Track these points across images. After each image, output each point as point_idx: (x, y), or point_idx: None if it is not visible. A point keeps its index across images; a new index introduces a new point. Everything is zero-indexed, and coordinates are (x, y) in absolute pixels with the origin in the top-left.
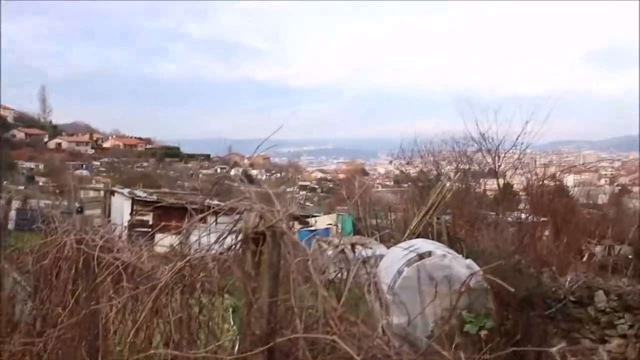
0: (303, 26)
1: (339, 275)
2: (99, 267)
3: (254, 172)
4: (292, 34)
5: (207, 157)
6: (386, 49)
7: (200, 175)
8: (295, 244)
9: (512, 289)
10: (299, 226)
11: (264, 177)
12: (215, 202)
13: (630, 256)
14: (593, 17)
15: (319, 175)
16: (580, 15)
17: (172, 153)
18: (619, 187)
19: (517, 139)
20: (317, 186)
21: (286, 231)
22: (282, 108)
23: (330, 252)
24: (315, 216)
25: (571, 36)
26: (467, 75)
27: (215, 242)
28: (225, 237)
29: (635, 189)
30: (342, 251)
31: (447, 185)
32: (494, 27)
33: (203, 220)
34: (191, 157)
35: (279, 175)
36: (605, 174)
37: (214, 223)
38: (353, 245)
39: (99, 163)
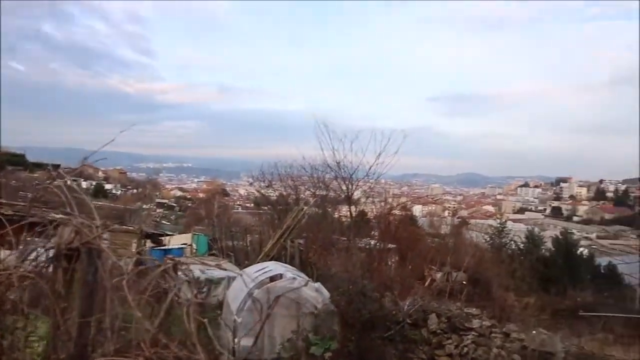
0: (177, 42)
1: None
2: None
3: (108, 186)
4: (165, 49)
5: (57, 167)
6: (253, 72)
7: (49, 187)
8: (113, 263)
9: (357, 312)
10: (151, 245)
11: (119, 192)
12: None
13: (464, 282)
14: (443, 65)
15: (178, 193)
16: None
17: (15, 161)
18: (459, 219)
19: (369, 168)
20: (175, 204)
21: (103, 249)
22: (147, 123)
23: (180, 273)
24: (169, 235)
25: (424, 79)
26: (327, 104)
27: (24, 258)
28: (38, 253)
29: (473, 221)
30: (166, 271)
31: (304, 209)
32: (357, 59)
33: (35, 233)
34: (38, 166)
35: (135, 191)
36: (449, 207)
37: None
38: (175, 266)
39: None
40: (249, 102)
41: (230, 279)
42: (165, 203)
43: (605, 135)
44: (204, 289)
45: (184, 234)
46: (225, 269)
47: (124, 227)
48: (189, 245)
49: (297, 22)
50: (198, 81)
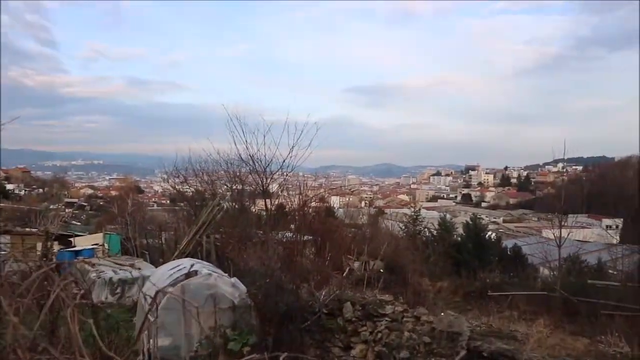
0: (82, 33)
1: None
2: None
3: (10, 186)
4: (69, 40)
5: None
6: (165, 65)
7: None
8: None
9: (274, 305)
10: (59, 247)
11: (22, 192)
12: None
13: (381, 270)
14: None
15: (89, 191)
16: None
17: None
18: (376, 209)
19: (283, 161)
20: (85, 203)
21: None
22: (52, 118)
23: (93, 275)
24: (79, 235)
25: (340, 72)
26: (241, 98)
27: None
28: None
29: (389, 210)
30: (48, 273)
31: (221, 204)
32: (272, 54)
33: None
34: None
35: (41, 190)
36: (365, 197)
37: None
38: (58, 266)
39: None
40: (161, 96)
41: (145, 278)
42: (74, 202)
43: (509, 124)
44: (117, 290)
45: (96, 234)
46: (140, 268)
47: (27, 229)
48: (101, 245)
49: (212, 16)
50: (107, 74)
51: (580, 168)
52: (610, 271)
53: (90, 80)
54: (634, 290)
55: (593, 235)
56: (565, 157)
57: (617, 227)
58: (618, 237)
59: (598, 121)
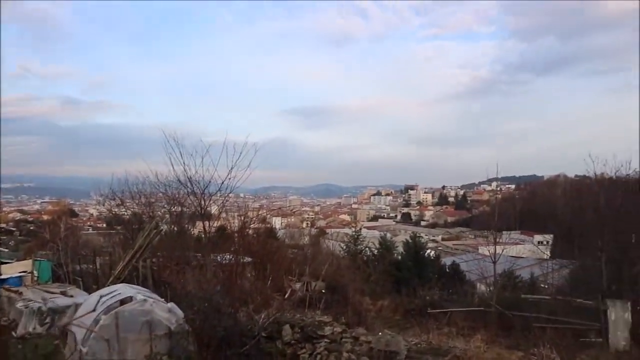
0: (10, 49)
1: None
2: None
3: None
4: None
5: None
6: (101, 85)
7: None
8: None
9: (211, 330)
10: None
11: None
12: None
13: (323, 290)
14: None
15: (18, 216)
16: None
17: None
18: (317, 229)
19: (222, 183)
20: (14, 228)
21: None
22: None
23: (20, 304)
24: (6, 263)
25: (278, 93)
26: (179, 119)
27: None
28: None
29: (330, 230)
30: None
31: (159, 227)
32: (209, 75)
33: None
34: None
35: None
36: (307, 217)
37: None
38: None
39: None
40: (97, 117)
41: (77, 306)
42: (1, 228)
43: (445, 145)
44: (47, 320)
45: (25, 261)
46: (72, 296)
47: None
48: (30, 272)
49: (142, 35)
50: (38, 93)
51: (513, 186)
52: (542, 285)
53: (19, 99)
54: (563, 303)
55: (525, 250)
56: (499, 176)
57: (547, 242)
58: (549, 253)
59: (527, 142)
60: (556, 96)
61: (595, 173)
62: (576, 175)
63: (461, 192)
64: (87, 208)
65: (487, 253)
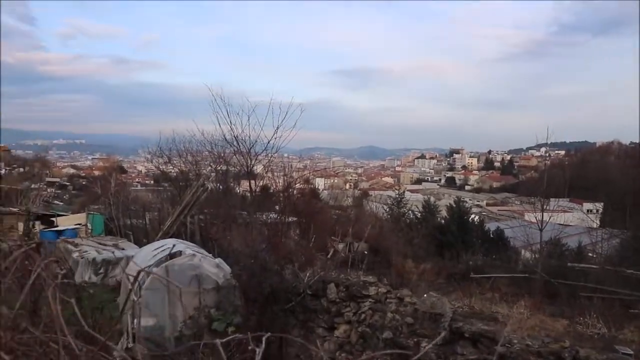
0: (61, 9)
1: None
2: None
3: None
4: (47, 16)
5: None
6: (149, 44)
7: None
8: None
9: (257, 286)
10: (42, 226)
11: (3, 171)
12: None
13: (365, 252)
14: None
15: (71, 171)
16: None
17: None
18: (360, 191)
19: (268, 142)
20: (68, 183)
21: None
22: (29, 96)
23: (75, 255)
24: (62, 215)
25: (322, 54)
26: (225, 79)
27: None
28: None
29: (373, 192)
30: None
31: (205, 185)
32: (251, 36)
33: None
34: None
35: (22, 169)
36: (350, 179)
37: None
38: (39, 245)
39: None
40: (141, 76)
41: (129, 259)
42: (56, 182)
43: (493, 109)
44: (101, 270)
45: (79, 214)
46: (123, 249)
47: (8, 208)
48: (84, 225)
49: None
50: (88, 52)
51: (562, 153)
52: (590, 254)
53: (71, 58)
54: (611, 273)
55: (574, 219)
56: (548, 142)
57: (597, 211)
58: (598, 221)
59: (580, 106)
60: (613, 59)
61: None
62: (631, 142)
63: (508, 157)
64: (135, 165)
65: (533, 220)
